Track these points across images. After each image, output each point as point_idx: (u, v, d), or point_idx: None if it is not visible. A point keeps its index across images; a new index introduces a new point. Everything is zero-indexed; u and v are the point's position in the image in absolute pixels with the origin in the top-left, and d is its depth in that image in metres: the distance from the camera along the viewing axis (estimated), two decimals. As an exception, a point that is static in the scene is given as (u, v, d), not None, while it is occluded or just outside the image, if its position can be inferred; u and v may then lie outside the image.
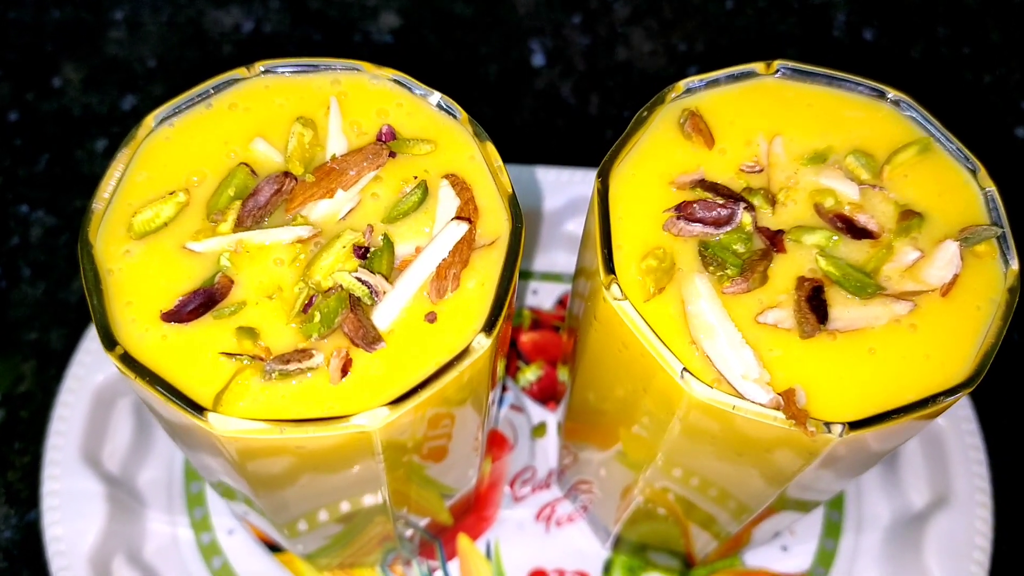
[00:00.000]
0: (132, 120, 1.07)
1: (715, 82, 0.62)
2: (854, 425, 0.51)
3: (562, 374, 0.87)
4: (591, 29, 1.19)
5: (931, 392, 0.52)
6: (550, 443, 0.91)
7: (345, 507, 0.66)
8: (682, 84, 0.61)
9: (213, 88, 0.60)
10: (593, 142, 1.11)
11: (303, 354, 0.52)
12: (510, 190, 0.57)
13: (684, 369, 0.52)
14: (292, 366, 0.51)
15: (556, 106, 1.13)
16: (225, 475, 0.60)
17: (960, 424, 0.83)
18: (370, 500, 0.64)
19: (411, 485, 0.66)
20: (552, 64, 1.16)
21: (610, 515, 0.81)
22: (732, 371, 0.53)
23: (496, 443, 0.91)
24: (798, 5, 1.22)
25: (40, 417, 0.89)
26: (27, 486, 0.88)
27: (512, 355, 0.95)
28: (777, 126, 0.61)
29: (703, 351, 0.54)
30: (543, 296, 0.97)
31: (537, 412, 0.92)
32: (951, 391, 0.52)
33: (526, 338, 0.96)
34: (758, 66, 0.62)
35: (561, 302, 0.97)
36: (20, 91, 1.11)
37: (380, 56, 1.17)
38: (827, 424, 0.51)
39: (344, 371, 0.52)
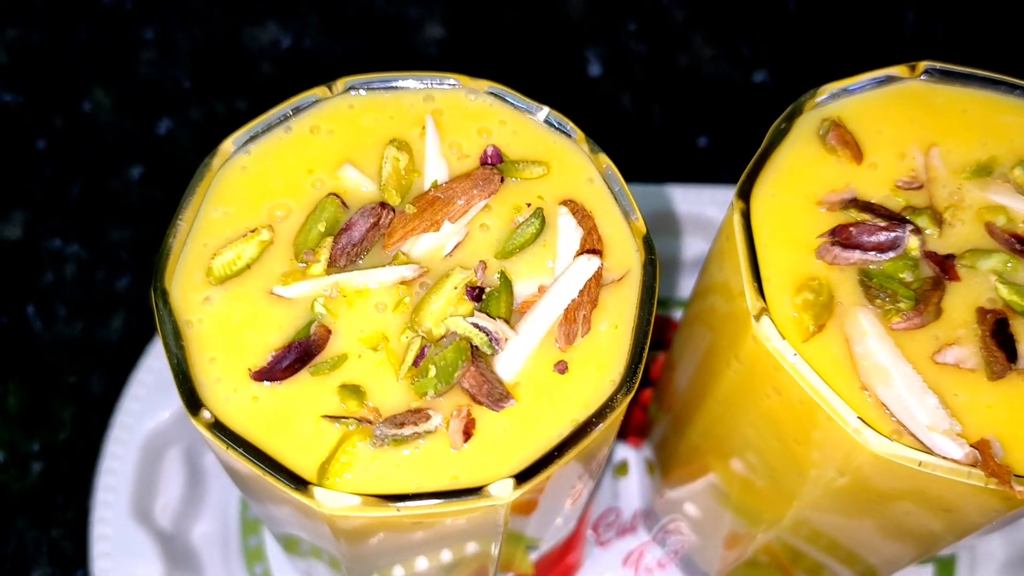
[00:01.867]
0: (168, 145, 1.01)
1: (853, 88, 0.55)
2: (1059, 480, 0.44)
3: (654, 409, 0.80)
4: (649, 36, 1.12)
5: None
6: (634, 482, 0.84)
7: (432, 565, 0.59)
8: (820, 92, 0.54)
9: (292, 110, 0.53)
10: (660, 155, 1.04)
11: (418, 415, 0.45)
12: (640, 217, 0.50)
13: (859, 419, 0.45)
14: (407, 430, 0.44)
15: (617, 118, 1.06)
16: (313, 540, 0.53)
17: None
18: (465, 557, 0.56)
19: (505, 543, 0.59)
20: (610, 73, 1.09)
21: (711, 562, 0.74)
22: (915, 421, 0.45)
23: (578, 484, 0.84)
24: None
25: (83, 468, 0.82)
26: (73, 544, 0.81)
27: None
28: (931, 135, 0.54)
29: (877, 398, 0.47)
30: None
31: (618, 449, 0.85)
32: None
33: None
34: (900, 69, 0.55)
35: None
36: (48, 117, 1.04)
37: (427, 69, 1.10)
38: (1030, 481, 0.44)
39: (467, 434, 0.45)
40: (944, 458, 0.44)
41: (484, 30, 1.12)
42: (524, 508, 0.52)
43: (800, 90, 0.55)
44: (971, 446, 0.45)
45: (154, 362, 0.81)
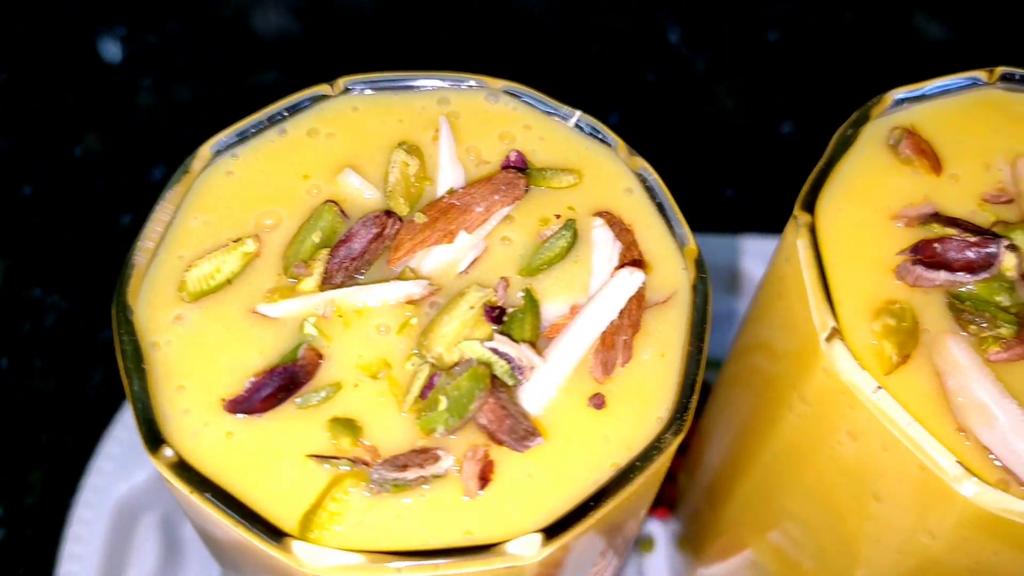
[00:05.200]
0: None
1: (925, 94, 0.48)
2: None
3: (684, 482, 0.72)
4: (667, 86, 1.07)
5: None
6: (660, 559, 0.75)
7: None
8: (888, 97, 0.48)
9: (287, 110, 0.46)
10: (684, 206, 0.98)
11: (425, 456, 0.37)
12: (688, 232, 0.43)
13: (959, 464, 0.37)
14: (411, 473, 0.36)
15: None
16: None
17: None
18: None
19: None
20: (629, 123, 1.04)
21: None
22: (1027, 468, 0.38)
23: (599, 560, 0.75)
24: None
25: (50, 536, 0.74)
26: (33, 623, 0.73)
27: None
28: (1016, 145, 0.47)
29: (977, 441, 0.39)
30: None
31: (643, 521, 0.76)
32: None
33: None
34: (978, 75, 0.49)
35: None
36: (37, 162, 0.99)
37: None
38: None
39: (484, 479, 0.37)
40: (1066, 513, 0.36)
41: (500, 77, 1.07)
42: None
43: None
44: (1095, 499, 0.37)
45: (131, 417, 0.73)
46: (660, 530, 0.76)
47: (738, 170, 1.01)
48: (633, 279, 0.40)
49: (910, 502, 0.40)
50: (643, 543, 0.76)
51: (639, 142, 1.03)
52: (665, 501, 0.78)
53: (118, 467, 0.72)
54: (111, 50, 1.08)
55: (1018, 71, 0.49)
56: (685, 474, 0.72)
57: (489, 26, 1.09)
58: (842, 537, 0.47)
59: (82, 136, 1.01)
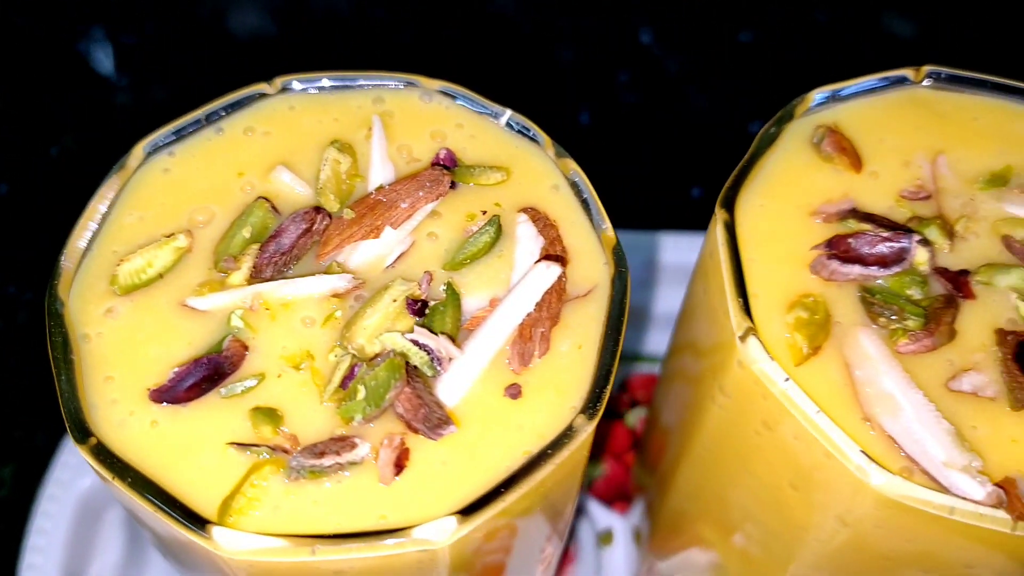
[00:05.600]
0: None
1: (848, 93, 0.49)
2: (1102, 527, 0.37)
3: (639, 472, 0.73)
4: (638, 86, 1.08)
5: None
6: (619, 553, 0.76)
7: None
8: (811, 96, 0.49)
9: (224, 108, 0.47)
10: (652, 206, 0.99)
11: (343, 443, 0.38)
12: (609, 226, 0.44)
13: (863, 454, 0.38)
14: (328, 460, 0.37)
15: (607, 166, 1.01)
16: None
17: None
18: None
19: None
20: (600, 123, 1.05)
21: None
22: (928, 457, 0.39)
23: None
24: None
25: (17, 529, 0.75)
26: (-2, 613, 0.74)
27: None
28: (938, 143, 0.48)
29: (882, 430, 0.40)
30: (606, 378, 0.83)
31: (602, 516, 0.78)
32: None
33: (588, 428, 0.82)
34: (900, 73, 0.50)
35: (625, 386, 0.83)
36: (13, 161, 1.00)
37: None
38: (1066, 527, 0.37)
39: (399, 466, 0.38)
40: (963, 499, 0.37)
41: (474, 78, 1.08)
42: (483, 568, 0.45)
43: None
44: (994, 485, 0.38)
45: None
46: (619, 524, 0.77)
47: (707, 170, 1.02)
48: (549, 273, 0.41)
49: (822, 491, 0.41)
50: (603, 537, 0.77)
51: (609, 142, 1.04)
52: (624, 495, 0.79)
53: (82, 462, 0.72)
54: (89, 50, 1.09)
55: (944, 70, 0.50)
56: (638, 468, 0.73)
57: (463, 27, 1.10)
58: (772, 526, 0.48)
59: (59, 136, 1.02)
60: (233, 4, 1.12)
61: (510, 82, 1.07)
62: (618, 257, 0.43)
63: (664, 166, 1.02)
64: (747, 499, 0.48)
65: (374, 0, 1.11)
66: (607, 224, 0.44)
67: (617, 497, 0.78)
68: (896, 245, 0.43)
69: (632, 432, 0.80)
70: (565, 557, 0.76)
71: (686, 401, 0.52)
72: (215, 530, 0.36)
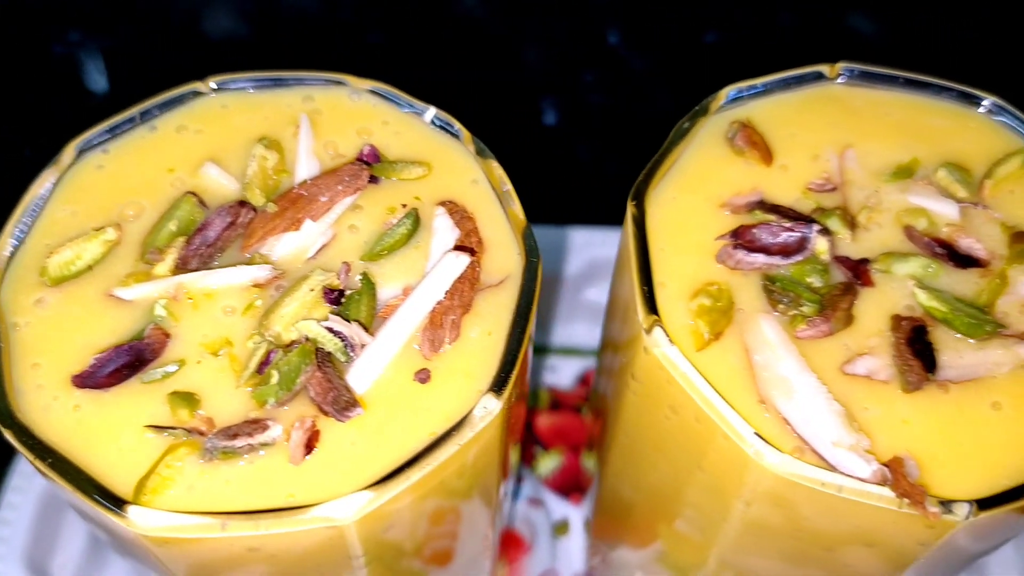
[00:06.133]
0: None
1: (767, 89, 0.51)
2: (984, 503, 0.39)
3: (588, 461, 0.75)
4: (604, 86, 1.09)
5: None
6: (574, 543, 0.78)
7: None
8: (724, 92, 0.50)
9: (158, 107, 0.49)
10: (617, 205, 1.00)
11: (255, 426, 0.40)
12: (522, 218, 0.46)
13: (756, 435, 0.40)
14: (240, 442, 0.39)
15: (572, 167, 1.03)
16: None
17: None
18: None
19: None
20: (565, 123, 1.06)
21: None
22: (819, 437, 0.40)
23: (511, 543, 0.78)
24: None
25: (-18, 522, 0.77)
26: (-38, 604, 0.75)
27: (528, 440, 0.82)
28: (848, 137, 0.50)
29: (777, 412, 0.41)
30: (563, 373, 0.85)
31: (558, 507, 0.79)
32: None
33: (544, 421, 0.83)
34: (819, 69, 0.52)
35: (583, 380, 0.85)
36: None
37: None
38: (946, 503, 0.38)
39: (309, 447, 0.40)
40: (851, 476, 0.39)
41: (439, 76, 1.09)
42: (411, 550, 0.46)
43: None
44: (882, 464, 0.39)
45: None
46: (575, 514, 0.78)
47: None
48: (459, 262, 0.43)
49: (724, 472, 0.43)
50: (558, 527, 0.78)
51: (576, 140, 1.05)
52: (579, 487, 0.80)
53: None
54: (64, 53, 1.10)
55: (857, 66, 0.52)
56: (586, 458, 0.75)
57: (430, 28, 1.12)
58: (690, 509, 0.49)
59: (34, 138, 1.04)
60: (205, 5, 1.14)
61: (478, 82, 1.08)
62: (529, 246, 0.45)
63: (630, 165, 1.03)
64: (666, 483, 0.50)
65: (343, 1, 1.13)
66: (522, 216, 0.46)
67: (573, 488, 0.80)
68: (797, 235, 0.44)
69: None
70: (520, 547, 0.78)
71: (611, 389, 0.53)
72: (130, 509, 0.37)
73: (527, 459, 0.81)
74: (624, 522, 0.61)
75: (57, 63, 1.10)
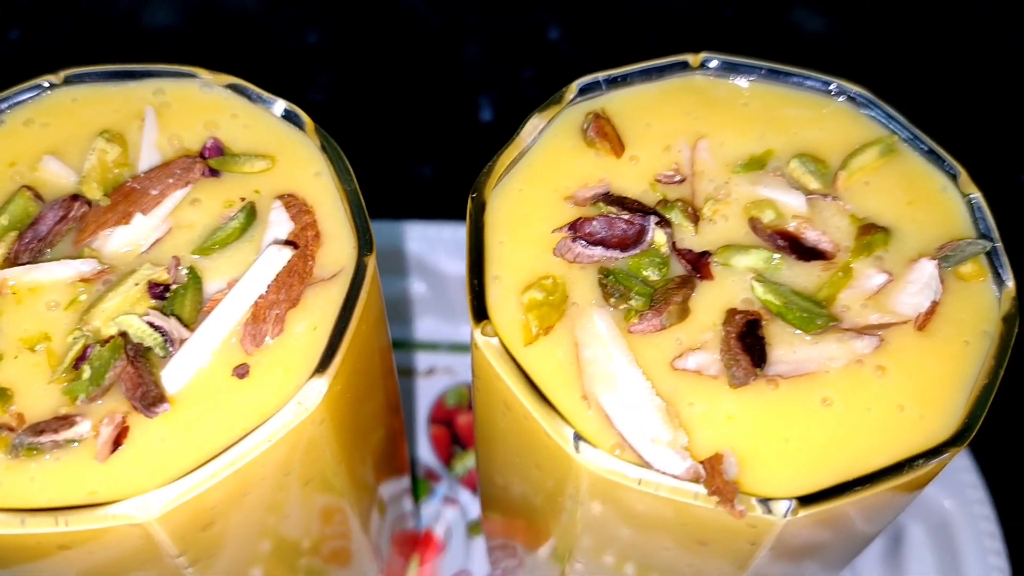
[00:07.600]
0: None
1: (626, 79, 0.50)
2: (805, 501, 0.38)
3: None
4: (544, 82, 1.09)
5: (908, 453, 0.39)
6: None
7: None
8: (575, 84, 0.49)
9: (4, 101, 0.49)
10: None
11: (63, 422, 0.39)
12: (364, 211, 0.45)
13: (574, 432, 0.39)
14: (45, 438, 0.38)
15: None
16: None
17: (972, 507, 0.68)
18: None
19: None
20: (502, 119, 1.05)
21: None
22: (637, 433, 0.39)
23: (425, 543, 0.77)
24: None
25: None
26: None
27: (448, 439, 0.81)
28: (703, 128, 0.49)
29: (600, 408, 0.41)
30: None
31: (474, 506, 0.78)
32: (935, 451, 0.39)
33: (464, 420, 0.83)
34: (680, 59, 0.51)
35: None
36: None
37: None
38: (764, 501, 0.38)
39: (117, 443, 0.39)
40: (663, 473, 0.38)
41: (381, 73, 1.09)
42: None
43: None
44: (698, 461, 0.39)
45: None
46: (489, 514, 0.78)
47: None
48: (280, 255, 0.42)
49: (554, 469, 0.42)
50: (472, 527, 0.78)
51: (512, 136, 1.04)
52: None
53: None
54: (6, 50, 1.10)
55: (719, 56, 0.51)
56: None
57: (372, 23, 1.11)
58: (537, 508, 0.49)
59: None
60: (144, 2, 1.14)
61: (420, 78, 1.08)
62: (365, 238, 0.44)
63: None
64: (515, 481, 0.49)
65: (282, -1, 1.13)
66: (363, 209, 0.45)
67: (488, 488, 0.79)
68: (633, 227, 0.44)
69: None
70: (433, 546, 0.77)
71: (472, 389, 0.52)
72: (-70, 506, 0.37)
73: (446, 458, 0.80)
74: (499, 517, 0.61)
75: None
